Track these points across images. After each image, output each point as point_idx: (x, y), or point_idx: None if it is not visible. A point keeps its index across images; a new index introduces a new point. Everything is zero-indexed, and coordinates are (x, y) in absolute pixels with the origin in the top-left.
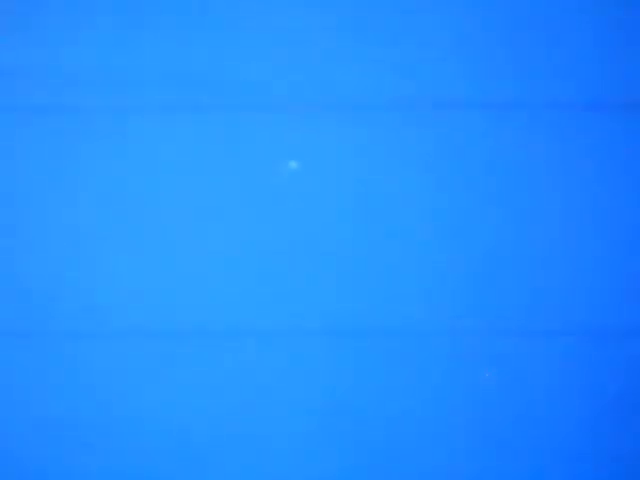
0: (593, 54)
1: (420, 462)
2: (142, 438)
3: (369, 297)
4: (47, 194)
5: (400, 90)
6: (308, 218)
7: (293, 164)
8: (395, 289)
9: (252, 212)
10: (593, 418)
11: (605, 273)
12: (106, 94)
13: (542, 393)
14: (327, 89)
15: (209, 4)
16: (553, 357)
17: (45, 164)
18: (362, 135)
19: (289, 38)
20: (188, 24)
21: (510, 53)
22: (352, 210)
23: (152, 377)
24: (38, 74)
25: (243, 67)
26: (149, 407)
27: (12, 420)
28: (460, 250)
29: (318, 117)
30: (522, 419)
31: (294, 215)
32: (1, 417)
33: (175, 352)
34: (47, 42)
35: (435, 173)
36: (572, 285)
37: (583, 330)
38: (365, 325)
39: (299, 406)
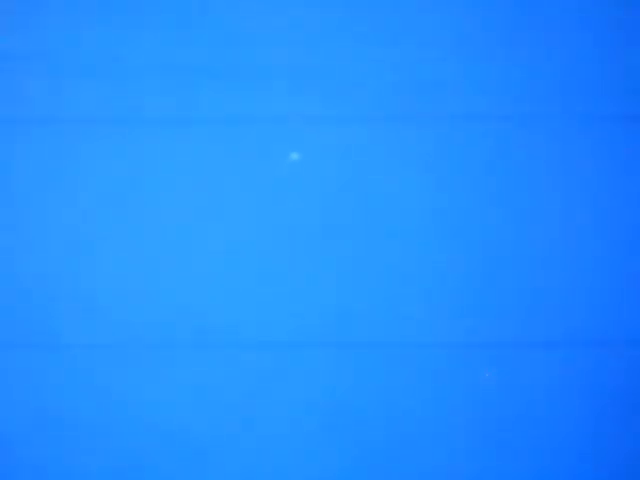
0: (594, 65)
1: (420, 467)
2: (138, 439)
3: (370, 309)
4: (49, 202)
5: (403, 96)
6: (308, 231)
7: (294, 156)
8: (395, 301)
9: (252, 221)
10: (593, 426)
11: (605, 285)
12: (106, 105)
13: (542, 403)
14: (327, 90)
15: (209, 9)
16: (553, 367)
17: (47, 173)
18: (363, 142)
19: (289, 39)
20: (186, 28)
21: (511, 65)
22: (353, 224)
23: (151, 385)
24: (46, 85)
25: (245, 68)
26: (149, 410)
27: (13, 421)
28: (461, 261)
29: (318, 121)
30: (521, 428)
31: (293, 227)
32: (2, 419)
33: (175, 360)
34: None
35: (437, 185)
36: (572, 296)
37: (583, 340)
38: (365, 336)
39: (299, 416)
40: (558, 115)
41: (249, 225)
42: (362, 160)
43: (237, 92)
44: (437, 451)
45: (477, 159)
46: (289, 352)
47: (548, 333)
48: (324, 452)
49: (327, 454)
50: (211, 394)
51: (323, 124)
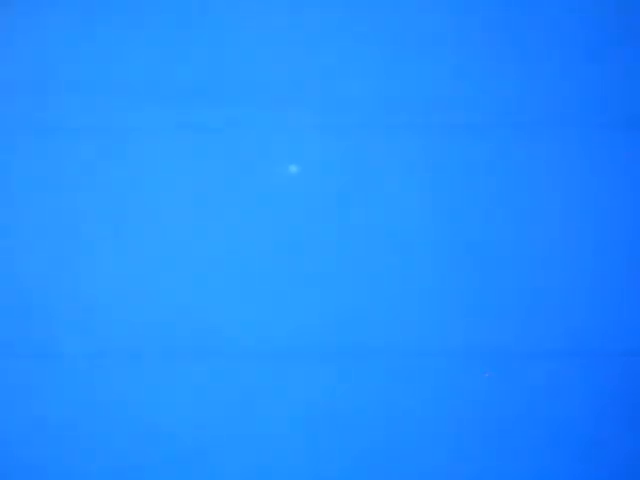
0: (593, 73)
1: (419, 476)
2: (137, 446)
3: (369, 317)
4: (48, 209)
5: (397, 92)
6: (306, 240)
7: (293, 168)
8: (394, 310)
9: (251, 232)
10: (591, 433)
11: (605, 294)
12: (105, 114)
13: (541, 411)
14: (324, 99)
15: (206, 18)
16: (553, 375)
17: (46, 181)
18: (362, 151)
19: (286, 46)
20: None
21: (509, 74)
22: (352, 232)
23: (148, 393)
24: (45, 94)
25: (244, 69)
26: (146, 418)
27: (12, 429)
28: (460, 270)
29: (316, 130)
30: (520, 435)
31: (291, 236)
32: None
33: (173, 369)
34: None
35: (436, 194)
36: (571, 306)
37: (582, 350)
38: (364, 345)
39: (297, 424)
40: (557, 124)
41: (247, 236)
42: (361, 169)
43: (234, 100)
44: (436, 459)
45: (476, 168)
46: (287, 361)
47: (548, 342)
48: (323, 459)
49: (326, 461)
50: (209, 402)
51: (321, 133)
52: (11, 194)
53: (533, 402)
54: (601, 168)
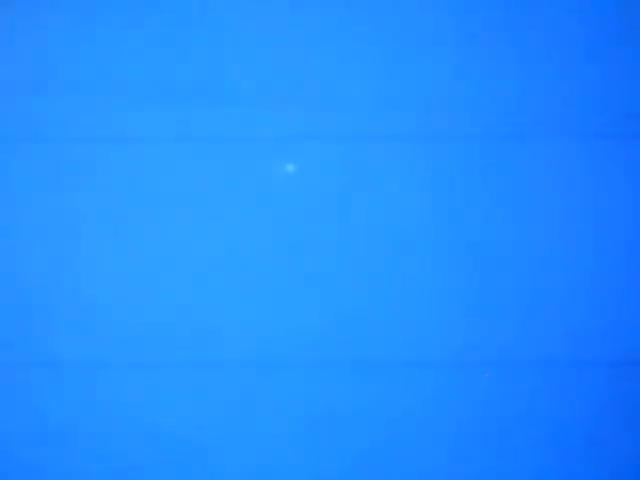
0: (593, 83)
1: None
2: (137, 453)
3: (363, 327)
4: (49, 218)
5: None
6: (300, 250)
7: (290, 167)
8: (399, 322)
9: (246, 243)
10: (590, 438)
11: (605, 300)
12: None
13: (540, 422)
14: (327, 90)
15: (203, 29)
16: (552, 381)
17: (47, 190)
18: (361, 160)
19: (282, 56)
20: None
21: (508, 84)
22: (347, 243)
23: (142, 402)
24: (62, 106)
25: (244, 70)
26: (143, 426)
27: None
28: (456, 278)
29: (314, 139)
30: (520, 439)
31: (284, 246)
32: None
33: (170, 378)
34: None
35: (434, 203)
36: (571, 311)
37: (584, 360)
38: (358, 355)
39: (296, 430)
40: (557, 124)
41: (247, 237)
42: (361, 169)
43: (234, 100)
44: (436, 463)
45: (475, 178)
46: (286, 367)
47: (547, 347)
48: (323, 462)
49: (326, 464)
50: (208, 406)
51: (321, 133)
52: (11, 194)
53: (533, 405)
54: (601, 168)
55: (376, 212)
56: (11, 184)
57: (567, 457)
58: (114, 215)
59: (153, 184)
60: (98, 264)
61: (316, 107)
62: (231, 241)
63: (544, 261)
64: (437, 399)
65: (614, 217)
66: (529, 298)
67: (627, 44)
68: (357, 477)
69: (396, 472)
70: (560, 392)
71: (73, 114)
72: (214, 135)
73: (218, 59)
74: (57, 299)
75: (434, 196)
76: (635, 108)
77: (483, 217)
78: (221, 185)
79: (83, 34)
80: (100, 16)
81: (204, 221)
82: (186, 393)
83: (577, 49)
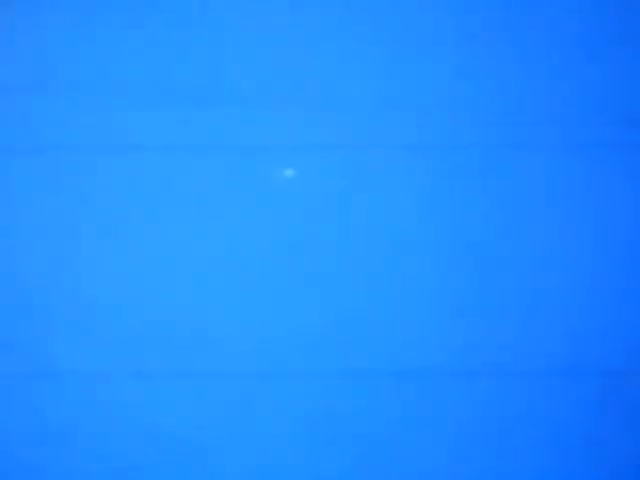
0: (593, 93)
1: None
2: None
3: (360, 338)
4: (50, 230)
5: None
6: (305, 243)
7: (289, 172)
8: (398, 327)
9: (249, 228)
10: (591, 439)
11: (603, 312)
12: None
13: (541, 433)
14: (327, 90)
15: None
16: (553, 397)
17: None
18: (363, 168)
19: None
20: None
21: (508, 94)
22: (352, 237)
23: (135, 414)
24: (54, 115)
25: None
26: (138, 435)
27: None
28: (456, 288)
29: (318, 148)
30: (519, 457)
31: (290, 237)
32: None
33: (172, 388)
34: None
35: (437, 197)
36: (570, 328)
37: (581, 371)
38: (355, 365)
39: (296, 436)
40: (557, 124)
41: (247, 237)
42: (361, 169)
43: (234, 100)
44: (435, 466)
45: (475, 186)
46: (283, 376)
47: (546, 357)
48: (322, 466)
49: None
50: (206, 413)
51: (321, 133)
52: (11, 194)
53: (532, 407)
54: (601, 168)
55: (375, 209)
56: (11, 185)
57: (567, 458)
58: (114, 217)
59: (153, 185)
60: (98, 267)
61: (316, 108)
62: (231, 244)
63: (543, 265)
64: (437, 403)
65: (613, 220)
66: (528, 302)
67: (627, 44)
68: None
69: (393, 474)
70: (560, 394)
71: (73, 114)
72: (214, 135)
73: (218, 59)
74: (57, 301)
75: (434, 195)
76: (635, 109)
77: (483, 221)
78: (221, 187)
79: (83, 34)
80: (100, 16)
81: (204, 224)
82: (186, 397)
83: (577, 49)
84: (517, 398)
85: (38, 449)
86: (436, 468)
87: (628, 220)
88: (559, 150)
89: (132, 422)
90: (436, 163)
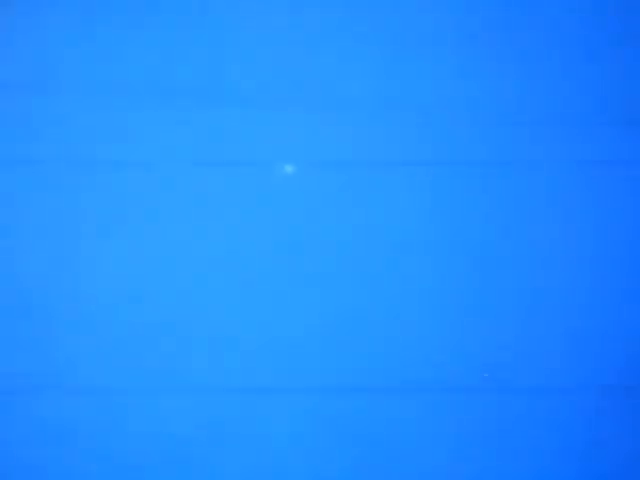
0: (594, 73)
1: None
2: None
3: (356, 354)
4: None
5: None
6: (305, 244)
7: (289, 168)
8: (397, 348)
9: (249, 228)
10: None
11: (603, 315)
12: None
13: (540, 451)
14: (327, 90)
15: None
16: (553, 414)
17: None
18: (365, 186)
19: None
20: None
21: (509, 112)
22: (352, 238)
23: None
24: (52, 129)
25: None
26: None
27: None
28: (457, 306)
29: (324, 166)
30: (522, 451)
31: (290, 238)
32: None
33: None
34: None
35: (437, 197)
36: (569, 343)
37: (581, 386)
38: (369, 383)
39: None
40: (557, 123)
41: (246, 237)
42: (361, 169)
43: (234, 100)
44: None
45: (475, 186)
46: (298, 399)
47: (546, 381)
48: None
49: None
50: (221, 440)
51: (321, 133)
52: (11, 194)
53: (532, 410)
54: (601, 168)
55: (375, 209)
56: (12, 186)
57: (567, 459)
58: (114, 217)
59: (153, 185)
60: (98, 269)
61: (316, 108)
62: (230, 245)
63: (543, 267)
64: (434, 419)
65: (613, 220)
66: (528, 306)
67: (627, 44)
68: None
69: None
70: (560, 396)
71: (73, 115)
72: (214, 135)
73: (218, 59)
74: (57, 302)
75: (434, 195)
76: (635, 109)
77: (482, 221)
78: (221, 188)
79: (83, 34)
80: (100, 16)
81: (204, 224)
82: (186, 397)
83: (577, 49)
84: (516, 409)
85: (38, 449)
86: (439, 462)
87: (628, 220)
88: (559, 150)
89: (132, 422)
90: (436, 163)
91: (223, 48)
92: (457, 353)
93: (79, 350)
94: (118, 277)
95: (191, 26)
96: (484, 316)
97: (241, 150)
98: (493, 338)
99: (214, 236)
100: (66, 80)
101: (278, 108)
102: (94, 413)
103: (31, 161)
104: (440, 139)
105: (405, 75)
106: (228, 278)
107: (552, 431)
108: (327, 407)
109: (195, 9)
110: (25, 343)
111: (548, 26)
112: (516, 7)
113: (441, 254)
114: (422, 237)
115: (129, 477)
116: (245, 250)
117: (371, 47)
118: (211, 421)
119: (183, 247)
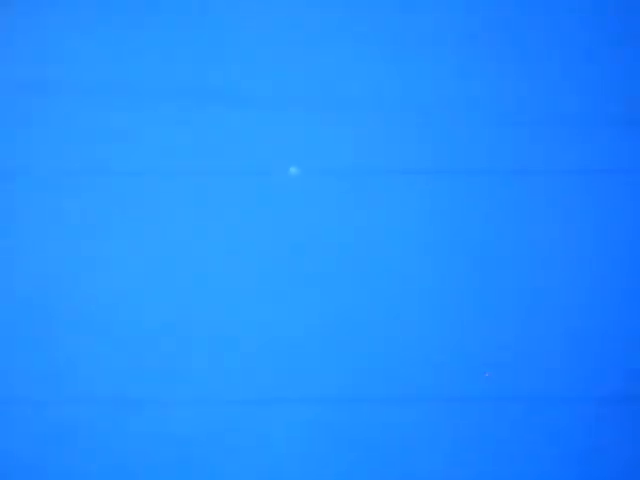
0: (594, 73)
1: None
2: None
3: (374, 362)
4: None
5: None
6: (305, 244)
7: (293, 170)
8: (398, 355)
9: (249, 229)
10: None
11: (603, 317)
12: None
13: (540, 459)
14: (327, 90)
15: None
16: (553, 423)
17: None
18: (365, 194)
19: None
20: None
21: (511, 73)
22: (351, 239)
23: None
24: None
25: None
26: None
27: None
28: (458, 315)
29: (322, 174)
30: (522, 453)
31: (290, 238)
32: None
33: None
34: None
35: (437, 198)
36: (569, 354)
37: (581, 390)
38: (368, 393)
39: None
40: (557, 123)
41: (247, 237)
42: (361, 169)
43: (234, 100)
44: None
45: (475, 187)
46: (299, 410)
47: (546, 391)
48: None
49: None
50: (227, 450)
51: (321, 132)
52: (11, 194)
53: (532, 411)
54: (601, 168)
55: (375, 209)
56: (12, 186)
57: (566, 467)
58: (114, 217)
59: (153, 185)
60: (98, 274)
61: (316, 107)
62: (230, 246)
63: (543, 268)
64: (434, 429)
65: (613, 221)
66: (528, 311)
67: (627, 44)
68: None
69: None
70: (559, 402)
71: (73, 115)
72: (214, 135)
73: (218, 59)
74: (57, 305)
75: (434, 196)
76: (635, 109)
77: (483, 230)
78: (221, 188)
79: (83, 34)
80: (100, 16)
81: (203, 225)
82: (186, 397)
83: (577, 49)
84: (515, 417)
85: (38, 449)
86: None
87: (628, 220)
88: (559, 150)
89: (132, 422)
90: (436, 163)
91: (223, 48)
92: (458, 359)
93: (78, 354)
94: (119, 280)
95: (191, 26)
96: (485, 323)
97: (241, 152)
98: (494, 347)
99: (215, 239)
100: (66, 80)
101: (278, 108)
102: (93, 417)
103: (31, 161)
104: (440, 143)
105: (405, 75)
106: (229, 283)
107: (551, 439)
108: (327, 416)
109: (195, 9)
110: (25, 344)
111: (548, 26)
112: (516, 7)
113: (442, 260)
114: (423, 243)
115: (134, 470)
116: (246, 254)
117: (371, 47)
118: (211, 429)
119: (184, 251)
